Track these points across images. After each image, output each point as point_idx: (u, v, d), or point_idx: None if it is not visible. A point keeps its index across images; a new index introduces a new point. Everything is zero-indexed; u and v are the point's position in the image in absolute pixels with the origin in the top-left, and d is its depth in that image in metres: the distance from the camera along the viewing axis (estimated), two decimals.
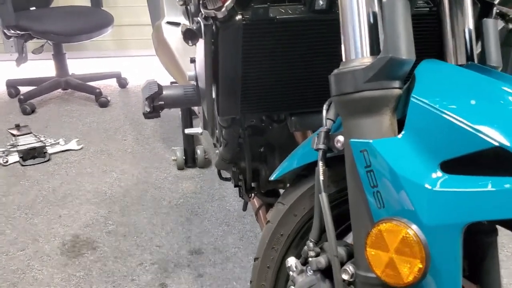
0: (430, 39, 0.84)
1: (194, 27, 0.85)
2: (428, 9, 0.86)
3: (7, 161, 2.18)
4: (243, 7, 0.82)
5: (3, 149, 2.27)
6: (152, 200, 1.89)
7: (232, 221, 1.75)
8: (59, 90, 3.08)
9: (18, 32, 2.69)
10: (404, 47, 0.59)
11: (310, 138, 0.81)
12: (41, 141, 2.33)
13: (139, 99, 2.99)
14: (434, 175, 0.55)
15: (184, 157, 2.13)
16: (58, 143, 2.35)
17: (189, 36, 0.82)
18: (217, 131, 1.19)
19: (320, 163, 0.68)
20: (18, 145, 2.28)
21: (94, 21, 2.88)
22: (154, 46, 1.87)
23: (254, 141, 1.19)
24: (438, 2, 0.82)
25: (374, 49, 0.62)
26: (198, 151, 2.14)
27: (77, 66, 3.35)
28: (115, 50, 3.67)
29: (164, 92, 1.04)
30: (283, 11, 0.82)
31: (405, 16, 0.61)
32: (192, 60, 1.05)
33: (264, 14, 0.80)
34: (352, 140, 0.60)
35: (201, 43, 0.91)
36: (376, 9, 0.62)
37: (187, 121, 2.02)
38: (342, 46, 0.64)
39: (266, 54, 0.86)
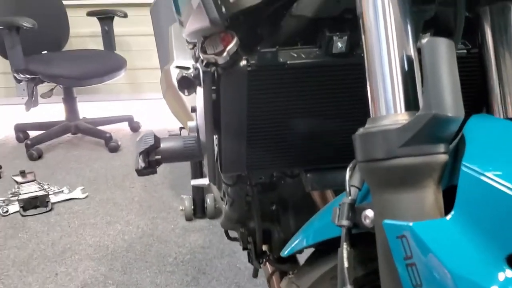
0: (471, 88, 0.71)
1: (192, 74, 0.73)
2: (466, 51, 0.72)
3: (7, 211, 2.07)
4: (248, 51, 0.70)
5: (4, 198, 2.16)
6: (156, 256, 1.75)
7: (243, 281, 1.59)
8: (69, 134, 3.00)
9: (28, 76, 2.63)
10: (450, 100, 0.45)
11: (329, 207, 0.67)
12: (44, 189, 2.22)
13: None
14: (501, 275, 0.41)
15: (192, 207, 1.99)
16: (62, 191, 2.24)
17: (185, 84, 0.70)
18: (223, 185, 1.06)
19: (344, 245, 0.53)
20: (19, 194, 2.17)
21: (106, 64, 2.82)
22: (162, 91, 1.77)
23: (265, 199, 1.05)
24: (479, 43, 0.69)
25: (411, 103, 0.49)
26: (208, 200, 2.00)
27: (89, 109, 3.28)
28: (128, 94, 3.61)
29: (162, 145, 0.92)
30: (295, 55, 0.70)
31: (450, 61, 0.47)
32: (193, 109, 0.93)
33: (272, 59, 0.68)
34: (386, 221, 0.46)
35: (201, 90, 0.78)
36: (412, 52, 0.49)
37: (196, 170, 1.90)
38: (369, 99, 0.51)
39: (275, 104, 0.74)
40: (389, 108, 0.48)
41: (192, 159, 0.94)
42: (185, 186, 2.28)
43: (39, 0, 2.92)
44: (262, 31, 0.75)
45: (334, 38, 0.68)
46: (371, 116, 0.50)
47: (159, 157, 0.91)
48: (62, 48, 3.05)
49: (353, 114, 0.77)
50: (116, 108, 3.46)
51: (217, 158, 0.84)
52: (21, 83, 2.94)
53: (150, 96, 3.51)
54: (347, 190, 0.57)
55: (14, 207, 2.10)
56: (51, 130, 2.85)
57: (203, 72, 0.70)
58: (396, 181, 0.46)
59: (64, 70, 2.64)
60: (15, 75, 2.66)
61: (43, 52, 2.89)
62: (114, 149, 2.78)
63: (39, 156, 2.71)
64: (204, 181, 1.30)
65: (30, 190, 2.21)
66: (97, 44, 3.18)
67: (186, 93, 0.70)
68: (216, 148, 0.82)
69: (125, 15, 2.99)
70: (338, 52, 0.69)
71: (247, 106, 0.73)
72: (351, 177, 0.58)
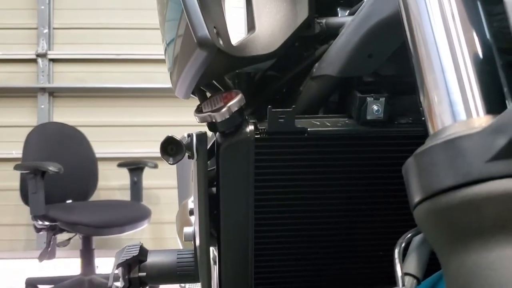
0: None
1: (184, 142, 0.56)
2: None
3: None
4: (256, 113, 0.55)
5: None
6: None
7: None
8: None
9: (47, 223, 2.52)
10: None
11: None
12: None
13: None
14: None
15: None
16: None
17: (171, 149, 0.53)
18: None
19: None
20: None
21: (129, 214, 2.71)
22: (176, 228, 1.59)
23: None
24: None
25: (493, 102, 0.30)
26: None
27: (108, 265, 3.08)
28: (152, 248, 3.42)
29: (149, 260, 0.71)
30: (318, 123, 0.54)
31: None
32: (191, 212, 0.74)
33: (287, 125, 0.51)
34: None
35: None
36: (488, 35, 0.32)
37: None
38: (424, 106, 0.32)
39: (292, 187, 0.55)
40: (458, 113, 0.29)
41: (189, 279, 0.72)
42: None
43: (72, 151, 2.96)
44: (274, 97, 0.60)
45: (368, 99, 0.52)
46: (430, 132, 0.31)
47: (143, 274, 0.70)
48: (88, 198, 2.99)
49: (398, 208, 0.57)
50: None
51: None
52: (41, 233, 2.82)
53: None
54: (399, 280, 0.35)
55: None
56: (61, 285, 2.63)
57: (197, 136, 0.54)
58: (488, 224, 0.25)
59: (83, 217, 2.53)
60: (34, 222, 2.56)
61: (67, 201, 2.82)
62: None
63: None
64: None
65: None
66: (125, 196, 3.12)
67: (171, 161, 0.53)
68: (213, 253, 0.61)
69: (156, 166, 2.97)
70: (374, 119, 0.53)
71: (254, 188, 0.54)
72: (405, 260, 0.36)
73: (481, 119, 0.28)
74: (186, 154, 0.55)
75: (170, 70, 0.60)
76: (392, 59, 0.53)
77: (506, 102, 0.29)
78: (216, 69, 0.49)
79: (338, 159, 0.54)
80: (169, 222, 3.35)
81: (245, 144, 0.52)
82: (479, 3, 0.32)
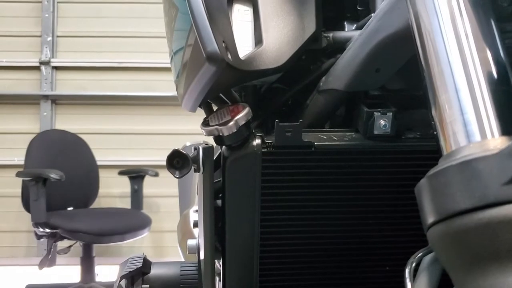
0: None
1: (190, 155, 0.56)
2: None
3: None
4: (263, 127, 0.55)
5: None
6: None
7: None
8: None
9: (48, 230, 2.52)
10: None
11: None
12: None
13: None
14: None
15: None
16: None
17: (177, 162, 0.53)
18: None
19: None
20: None
21: (129, 222, 2.71)
22: (178, 239, 1.58)
23: None
24: None
25: (508, 123, 0.30)
26: None
27: (109, 272, 3.07)
28: (152, 258, 3.40)
29: (152, 272, 0.71)
30: (324, 137, 0.53)
31: None
32: (195, 224, 0.74)
33: (294, 138, 0.51)
34: None
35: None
36: (502, 53, 0.32)
37: None
38: (438, 128, 0.32)
39: (297, 200, 0.55)
40: (472, 133, 0.29)
41: None
42: None
43: (74, 158, 2.96)
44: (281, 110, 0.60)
45: (375, 114, 0.52)
46: (444, 153, 0.31)
47: (147, 286, 0.70)
48: (88, 206, 2.99)
49: (406, 223, 0.57)
50: None
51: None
52: (42, 240, 2.81)
53: (175, 259, 3.29)
54: None
55: None
56: None
57: (203, 150, 0.54)
58: (504, 248, 0.25)
59: (84, 225, 2.53)
60: (35, 229, 2.55)
61: (68, 209, 2.82)
62: None
63: None
64: None
65: None
66: (126, 204, 3.12)
67: (177, 175, 0.52)
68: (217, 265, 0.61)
69: (156, 174, 2.97)
70: (381, 134, 0.52)
71: (260, 202, 0.54)
72: (415, 279, 0.36)
73: (496, 141, 0.28)
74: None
75: (176, 83, 0.60)
76: (400, 74, 0.53)
77: None
78: (224, 83, 0.49)
79: (345, 173, 0.53)
80: (170, 231, 3.34)
81: (252, 157, 0.51)
82: (492, 21, 0.32)
